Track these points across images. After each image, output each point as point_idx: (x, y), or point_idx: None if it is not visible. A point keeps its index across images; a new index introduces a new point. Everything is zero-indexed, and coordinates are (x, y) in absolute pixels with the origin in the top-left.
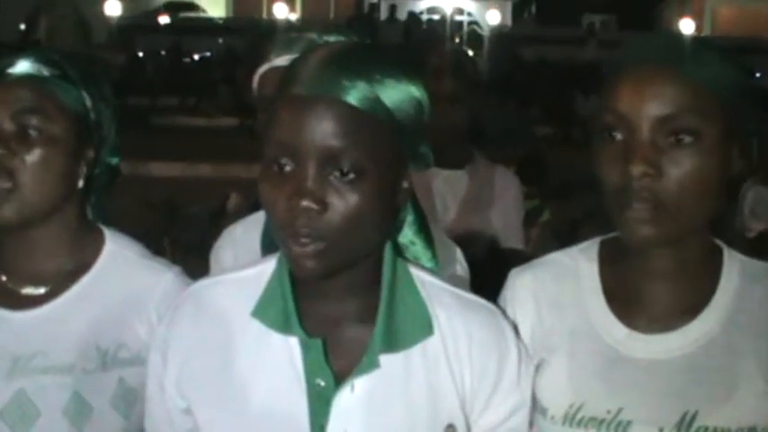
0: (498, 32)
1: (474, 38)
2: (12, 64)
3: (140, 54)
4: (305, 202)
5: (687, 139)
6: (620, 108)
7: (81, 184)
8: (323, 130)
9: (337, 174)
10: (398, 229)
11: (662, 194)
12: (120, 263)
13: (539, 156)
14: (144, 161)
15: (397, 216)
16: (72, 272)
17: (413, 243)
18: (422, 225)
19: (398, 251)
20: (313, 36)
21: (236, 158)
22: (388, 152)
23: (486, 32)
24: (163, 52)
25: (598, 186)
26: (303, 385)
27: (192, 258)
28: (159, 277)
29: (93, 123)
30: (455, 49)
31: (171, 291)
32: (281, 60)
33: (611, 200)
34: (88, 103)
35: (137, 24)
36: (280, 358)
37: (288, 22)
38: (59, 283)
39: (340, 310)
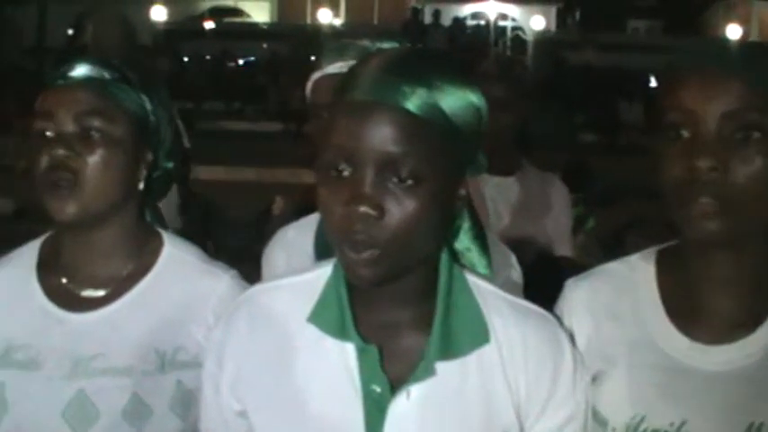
0: (542, 38)
1: (518, 43)
2: (73, 68)
3: (185, 59)
4: (362, 208)
5: (755, 134)
6: (687, 105)
7: (141, 186)
8: (382, 135)
9: (395, 180)
10: (454, 235)
11: (727, 190)
12: (179, 266)
13: (584, 162)
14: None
15: (453, 223)
16: (131, 275)
17: (468, 250)
18: (477, 232)
19: (454, 258)
20: (366, 43)
21: (281, 163)
22: (446, 159)
23: (529, 38)
24: (208, 57)
25: (646, 193)
26: (359, 391)
27: (236, 262)
28: (216, 281)
29: (152, 126)
30: (504, 55)
31: (228, 294)
32: (334, 67)
33: (674, 197)
34: (148, 106)
35: (182, 29)
36: (335, 364)
37: (332, 27)
38: (119, 286)
39: (396, 316)
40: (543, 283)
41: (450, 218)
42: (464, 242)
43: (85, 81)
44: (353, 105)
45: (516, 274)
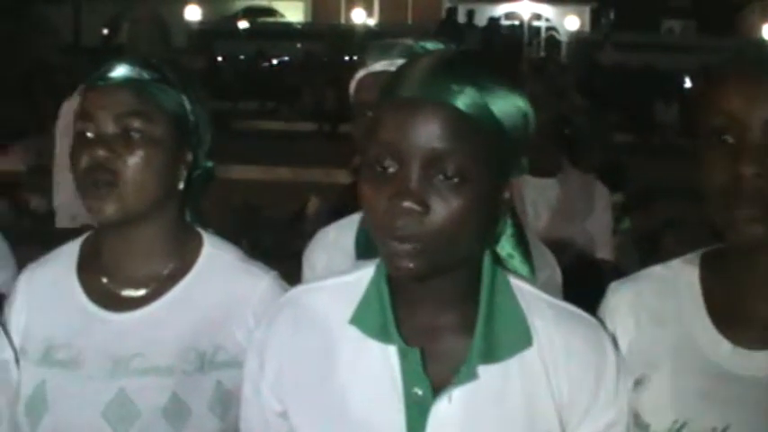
0: (576, 38)
1: (552, 44)
2: (113, 68)
3: (219, 59)
4: (407, 203)
5: None
6: (731, 110)
7: (181, 186)
8: (429, 132)
9: (441, 177)
10: (497, 241)
11: None
12: (219, 266)
13: (619, 163)
14: (223, 164)
15: (496, 226)
16: (171, 274)
17: (511, 257)
18: (520, 239)
19: (497, 261)
20: (409, 42)
21: (315, 163)
22: (492, 160)
23: (564, 38)
24: (242, 57)
25: (681, 194)
26: (400, 394)
27: (271, 261)
28: (257, 281)
29: (191, 126)
30: (540, 56)
31: (268, 295)
32: (379, 66)
33: (718, 202)
34: (187, 105)
35: (216, 29)
36: (377, 366)
37: (365, 26)
38: (159, 286)
39: (438, 318)
40: (582, 286)
41: (494, 220)
42: (506, 249)
43: (125, 82)
44: (401, 102)
45: (556, 274)
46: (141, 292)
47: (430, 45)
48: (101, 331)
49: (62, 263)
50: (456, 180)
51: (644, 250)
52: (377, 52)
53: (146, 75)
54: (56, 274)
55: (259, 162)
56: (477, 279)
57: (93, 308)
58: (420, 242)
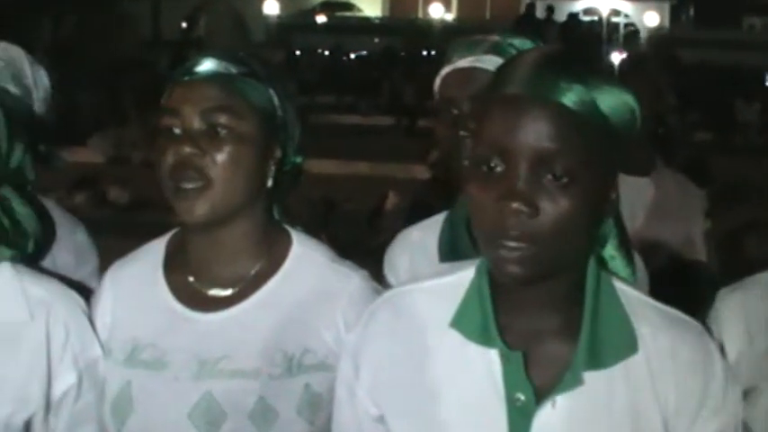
0: (656, 34)
1: (631, 40)
2: (198, 62)
3: (297, 53)
4: (515, 205)
5: None
6: None
7: (270, 183)
8: (537, 130)
9: (549, 177)
10: (602, 243)
11: None
12: (308, 266)
13: (702, 162)
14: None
15: (602, 227)
16: (259, 274)
17: (613, 258)
18: (622, 240)
19: (601, 264)
20: (496, 39)
21: (393, 157)
22: (601, 159)
23: (643, 34)
24: (320, 51)
25: (765, 194)
26: (502, 399)
27: (349, 256)
28: (347, 281)
29: (280, 121)
30: (636, 52)
31: (358, 295)
32: (465, 62)
33: None
34: (275, 100)
35: (294, 23)
36: (478, 370)
37: (443, 21)
38: (246, 286)
39: (541, 322)
40: (675, 288)
41: (601, 221)
42: (609, 250)
43: (212, 76)
44: (509, 99)
45: (644, 277)
46: (228, 292)
47: (517, 42)
48: (187, 331)
49: (148, 261)
50: (565, 180)
51: (724, 251)
52: (463, 48)
53: (233, 69)
54: (142, 272)
55: (337, 157)
56: (581, 282)
57: (179, 308)
58: (528, 244)
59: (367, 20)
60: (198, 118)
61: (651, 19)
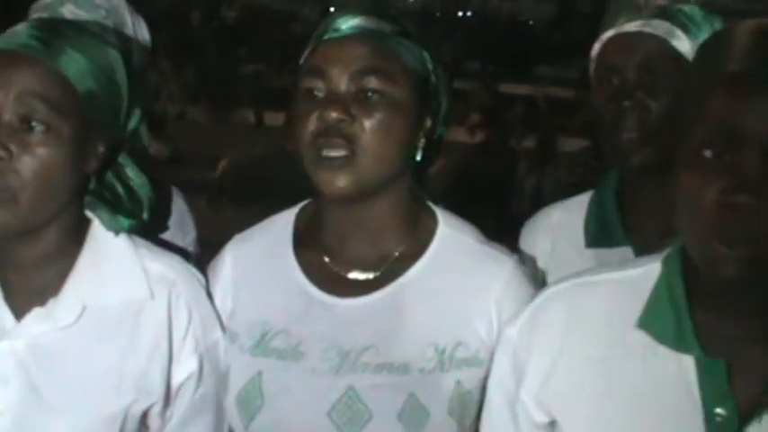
0: None
1: None
2: (345, 19)
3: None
4: (744, 199)
5: None
6: None
7: (419, 156)
8: None
9: None
10: None
11: None
12: (456, 248)
13: None
14: None
15: None
16: (403, 256)
17: None
18: None
19: None
20: (663, 2)
21: None
22: None
23: None
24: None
25: None
26: (699, 413)
27: None
28: (500, 266)
29: (432, 88)
30: None
31: (512, 282)
32: (632, 26)
33: None
34: (429, 65)
35: None
36: (669, 378)
37: None
38: (390, 269)
39: (744, 328)
40: None
41: None
42: None
43: (362, 34)
44: (738, 78)
45: None
46: (370, 276)
47: (686, 8)
48: (324, 318)
49: (275, 237)
50: None
51: None
52: (629, 11)
53: (386, 27)
54: (268, 249)
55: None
56: None
57: (314, 290)
58: (754, 246)
59: None
60: (346, 80)
61: None
